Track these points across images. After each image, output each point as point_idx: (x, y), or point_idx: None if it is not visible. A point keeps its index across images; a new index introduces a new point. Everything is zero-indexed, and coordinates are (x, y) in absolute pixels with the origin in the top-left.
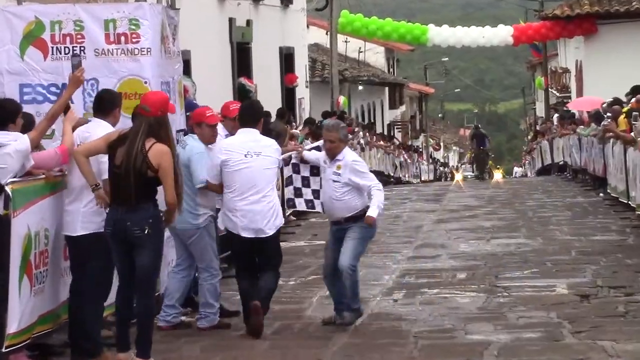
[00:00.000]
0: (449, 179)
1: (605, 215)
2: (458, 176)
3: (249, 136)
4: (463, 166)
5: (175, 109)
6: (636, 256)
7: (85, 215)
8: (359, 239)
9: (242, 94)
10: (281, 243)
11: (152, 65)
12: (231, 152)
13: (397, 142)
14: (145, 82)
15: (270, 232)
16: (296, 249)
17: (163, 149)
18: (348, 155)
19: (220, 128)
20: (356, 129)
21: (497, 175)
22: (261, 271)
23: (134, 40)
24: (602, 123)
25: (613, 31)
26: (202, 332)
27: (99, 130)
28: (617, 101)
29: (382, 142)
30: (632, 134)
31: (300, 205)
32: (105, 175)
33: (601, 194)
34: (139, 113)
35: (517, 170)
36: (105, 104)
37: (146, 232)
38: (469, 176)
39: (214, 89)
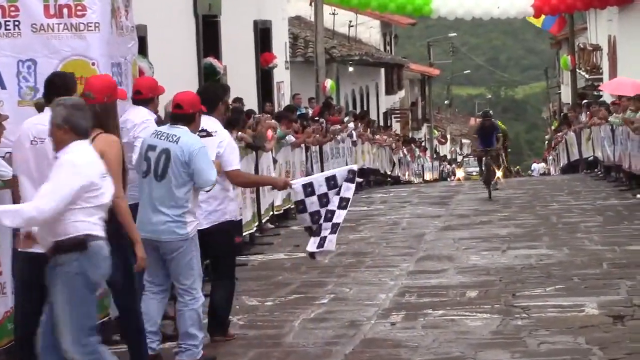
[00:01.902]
0: (453, 177)
1: None
2: (459, 173)
3: (202, 122)
4: (467, 160)
5: (127, 95)
6: None
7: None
8: None
9: (210, 76)
10: (258, 256)
11: (101, 44)
12: None
13: (396, 135)
14: (93, 64)
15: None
16: (274, 263)
17: (109, 139)
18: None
19: (146, 112)
20: (345, 119)
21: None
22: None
23: (78, 13)
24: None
25: None
26: None
27: None
28: None
29: (377, 135)
30: None
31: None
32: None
33: (638, 195)
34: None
35: (537, 167)
36: (58, 90)
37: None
38: (474, 173)
39: (175, 71)
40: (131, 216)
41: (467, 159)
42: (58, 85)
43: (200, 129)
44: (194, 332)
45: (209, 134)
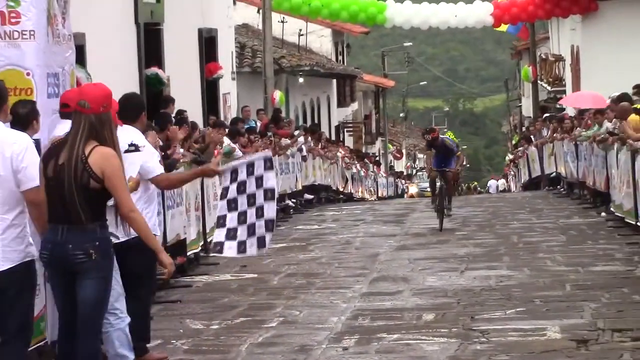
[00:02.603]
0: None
1: (608, 240)
2: (412, 189)
3: (126, 135)
4: (420, 175)
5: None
6: None
7: (6, 245)
8: None
9: (153, 87)
10: (203, 277)
11: (37, 53)
12: None
13: (348, 149)
14: (28, 74)
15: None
16: (220, 284)
17: (106, 152)
18: None
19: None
20: (295, 133)
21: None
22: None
23: (12, 20)
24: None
25: (616, 9)
26: None
27: None
28: (624, 96)
29: (329, 149)
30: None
31: (231, 250)
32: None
33: (603, 214)
34: (77, 111)
35: (493, 183)
36: None
37: (93, 257)
38: (428, 189)
39: (115, 82)
40: (149, 228)
41: (420, 173)
42: None
43: (129, 142)
44: (124, 353)
45: (137, 149)
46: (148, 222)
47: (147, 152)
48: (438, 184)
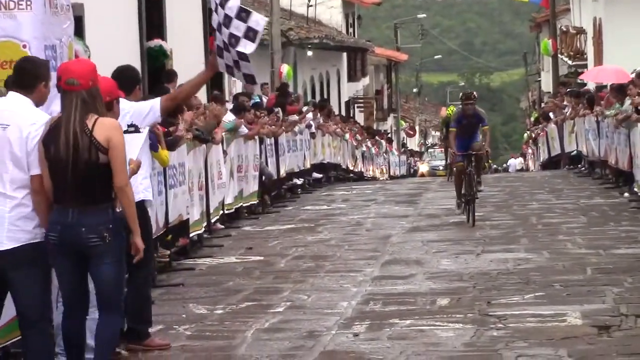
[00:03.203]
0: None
1: (632, 221)
2: (422, 168)
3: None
4: (432, 152)
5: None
6: None
7: (12, 223)
8: None
9: (154, 60)
10: (207, 259)
11: (34, 24)
12: None
13: (359, 126)
14: (24, 46)
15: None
16: (225, 267)
17: (111, 122)
18: None
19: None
20: (304, 109)
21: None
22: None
23: None
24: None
25: None
26: None
27: None
28: None
29: (339, 126)
30: None
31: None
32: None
33: (626, 194)
34: (66, 90)
35: (513, 162)
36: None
37: (107, 240)
38: (441, 167)
39: (115, 55)
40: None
41: (432, 150)
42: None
43: (128, 123)
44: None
45: (137, 130)
46: (140, 183)
47: (138, 108)
48: (465, 172)
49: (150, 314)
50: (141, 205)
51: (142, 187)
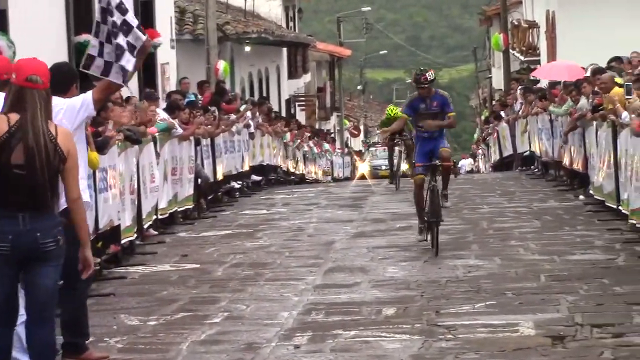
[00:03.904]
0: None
1: (587, 225)
2: (362, 167)
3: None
4: (372, 151)
5: None
6: (628, 282)
7: None
8: None
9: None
10: (139, 268)
11: None
12: None
13: (300, 125)
14: None
15: None
16: (158, 275)
17: (69, 132)
18: None
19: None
20: (242, 107)
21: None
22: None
23: None
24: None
25: None
26: None
27: None
28: (602, 67)
29: (278, 125)
30: (624, 113)
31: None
32: None
33: (581, 197)
34: (27, 87)
35: (463, 163)
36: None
37: (60, 243)
38: (383, 167)
39: (41, 51)
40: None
41: (373, 148)
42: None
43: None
44: (17, 357)
45: None
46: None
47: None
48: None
49: (88, 326)
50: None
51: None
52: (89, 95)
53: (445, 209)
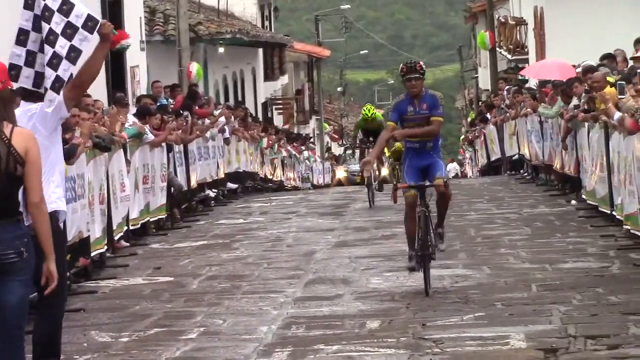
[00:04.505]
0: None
1: (580, 232)
2: (339, 173)
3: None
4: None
5: None
6: (623, 291)
7: None
8: None
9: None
10: (110, 281)
11: None
12: None
13: (277, 130)
14: None
15: None
16: (130, 289)
17: (29, 132)
18: None
19: None
20: (216, 112)
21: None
22: None
23: None
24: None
25: None
26: None
27: None
28: (594, 65)
29: (255, 132)
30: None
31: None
32: None
33: (573, 202)
34: None
35: (450, 167)
36: None
37: (24, 255)
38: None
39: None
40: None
41: (350, 152)
42: None
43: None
44: None
45: None
46: (53, 192)
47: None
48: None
49: (60, 345)
50: (54, 217)
51: (55, 196)
52: (59, 96)
53: (441, 251)
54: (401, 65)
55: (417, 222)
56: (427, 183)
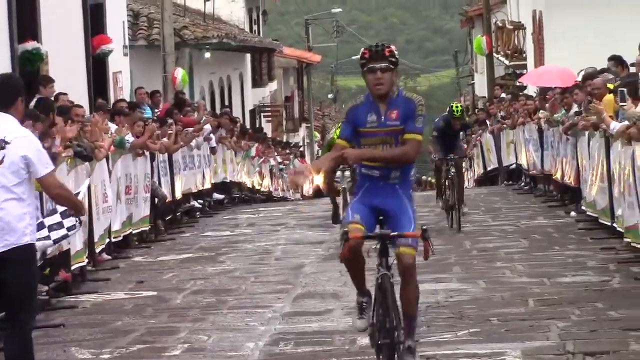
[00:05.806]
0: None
1: (579, 244)
2: (317, 179)
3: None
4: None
5: None
6: (624, 306)
7: None
8: None
9: (31, 64)
10: (91, 296)
11: None
12: None
13: (266, 138)
14: None
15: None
16: (112, 304)
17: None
18: None
19: None
20: (203, 119)
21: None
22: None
23: None
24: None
25: None
26: None
27: None
28: (596, 73)
29: (244, 143)
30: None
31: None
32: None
33: (572, 213)
34: None
35: None
36: None
37: None
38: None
39: None
40: None
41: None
42: None
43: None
44: None
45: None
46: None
47: (34, 148)
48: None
49: None
50: (30, 249)
51: (30, 228)
52: (46, 170)
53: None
54: (362, 49)
55: (376, 291)
56: (393, 233)
